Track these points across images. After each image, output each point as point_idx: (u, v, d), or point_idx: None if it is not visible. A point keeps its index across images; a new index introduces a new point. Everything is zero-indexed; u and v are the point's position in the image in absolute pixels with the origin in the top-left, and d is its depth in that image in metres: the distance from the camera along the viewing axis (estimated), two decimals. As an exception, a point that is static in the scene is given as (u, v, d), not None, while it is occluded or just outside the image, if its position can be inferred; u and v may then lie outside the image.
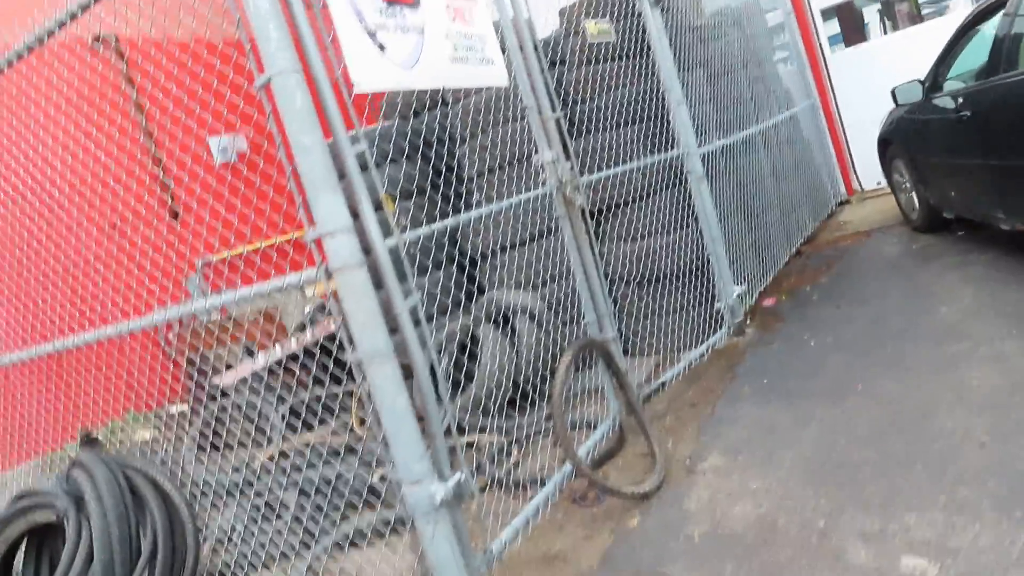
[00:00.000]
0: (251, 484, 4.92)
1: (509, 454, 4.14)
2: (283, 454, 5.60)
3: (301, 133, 2.29)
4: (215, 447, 4.94)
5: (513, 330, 4.91)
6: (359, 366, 2.46)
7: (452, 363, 5.20)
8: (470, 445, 4.75)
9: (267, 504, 4.34)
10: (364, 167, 2.46)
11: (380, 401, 2.38)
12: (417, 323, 2.51)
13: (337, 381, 6.35)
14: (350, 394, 6.12)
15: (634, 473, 3.79)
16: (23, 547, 3.51)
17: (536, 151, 3.64)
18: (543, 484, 3.44)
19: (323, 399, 5.90)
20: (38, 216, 5.12)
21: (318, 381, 6.68)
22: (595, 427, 3.88)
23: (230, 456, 5.63)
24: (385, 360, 2.36)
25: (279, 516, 4.22)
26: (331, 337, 6.48)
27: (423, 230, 3.15)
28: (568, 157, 3.73)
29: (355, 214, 2.39)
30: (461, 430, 4.34)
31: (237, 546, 3.91)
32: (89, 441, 4.58)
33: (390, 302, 2.43)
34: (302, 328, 7.82)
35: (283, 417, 5.80)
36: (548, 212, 4.85)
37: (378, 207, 2.49)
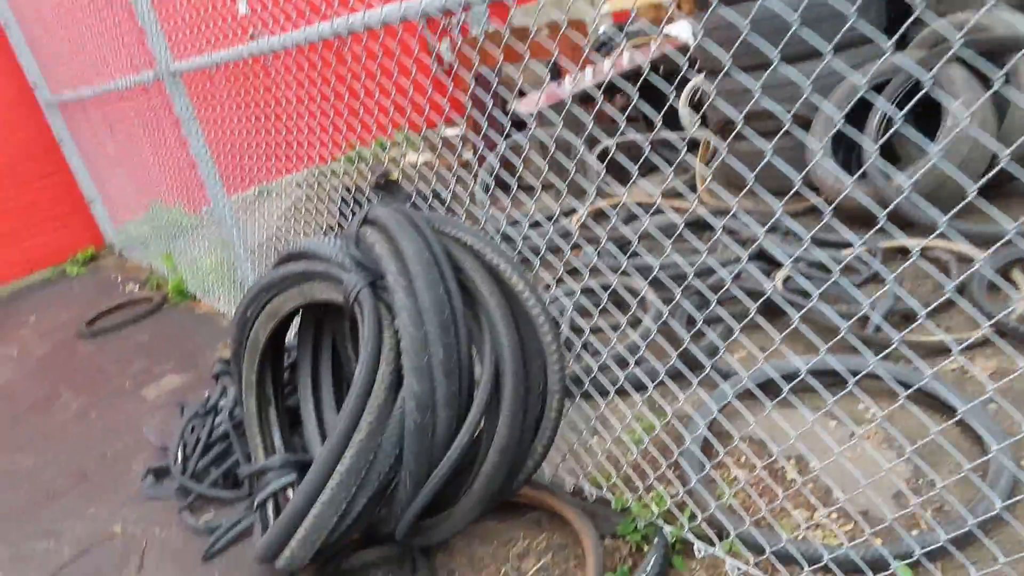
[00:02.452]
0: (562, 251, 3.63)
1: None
2: (601, 213, 4.25)
3: None
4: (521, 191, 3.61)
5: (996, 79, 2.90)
6: None
7: (883, 122, 3.34)
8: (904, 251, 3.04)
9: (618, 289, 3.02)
10: None
11: None
12: None
13: (670, 126, 4.73)
14: (693, 144, 4.50)
15: None
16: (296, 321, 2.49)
17: None
18: None
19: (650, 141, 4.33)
20: None
21: (636, 121, 5.09)
22: None
23: (532, 209, 4.35)
24: None
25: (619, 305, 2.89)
26: (655, 66, 4.73)
27: None
28: None
29: None
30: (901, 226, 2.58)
31: (570, 351, 2.67)
32: (386, 184, 3.35)
33: None
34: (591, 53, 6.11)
35: (597, 166, 4.37)
36: None
37: None
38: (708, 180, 3.96)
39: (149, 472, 2.79)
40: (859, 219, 1.92)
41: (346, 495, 1.76)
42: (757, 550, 1.73)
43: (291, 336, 2.53)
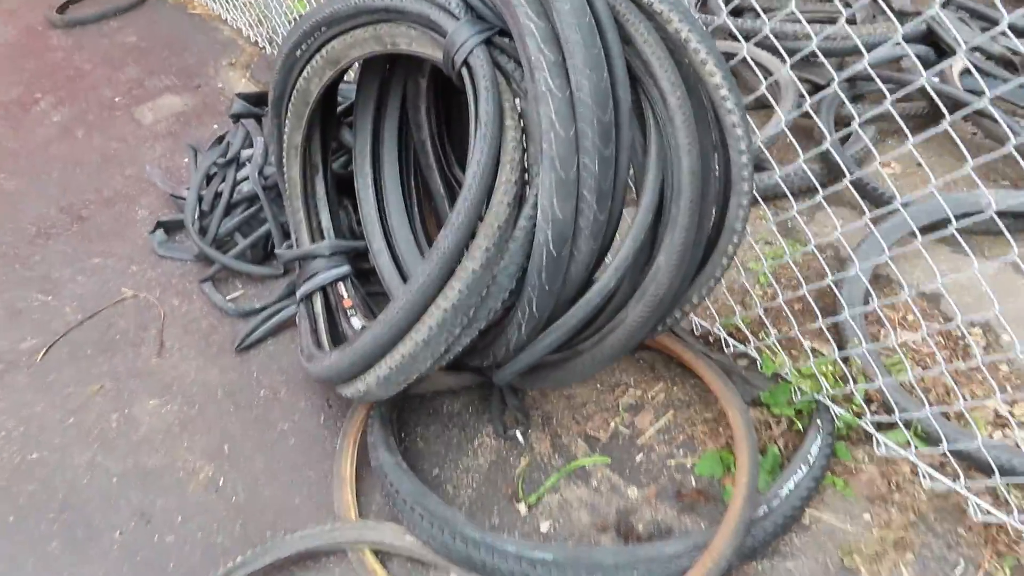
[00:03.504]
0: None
1: None
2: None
3: None
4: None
5: None
6: None
7: None
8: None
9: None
10: None
11: None
12: None
13: None
14: None
15: None
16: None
17: None
18: None
19: None
20: None
21: None
22: None
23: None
24: None
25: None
26: None
27: None
28: None
29: None
30: None
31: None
32: None
33: None
34: None
35: None
36: None
37: None
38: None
39: (159, 226, 2.34)
40: None
41: (448, 336, 1.35)
42: (979, 466, 1.40)
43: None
